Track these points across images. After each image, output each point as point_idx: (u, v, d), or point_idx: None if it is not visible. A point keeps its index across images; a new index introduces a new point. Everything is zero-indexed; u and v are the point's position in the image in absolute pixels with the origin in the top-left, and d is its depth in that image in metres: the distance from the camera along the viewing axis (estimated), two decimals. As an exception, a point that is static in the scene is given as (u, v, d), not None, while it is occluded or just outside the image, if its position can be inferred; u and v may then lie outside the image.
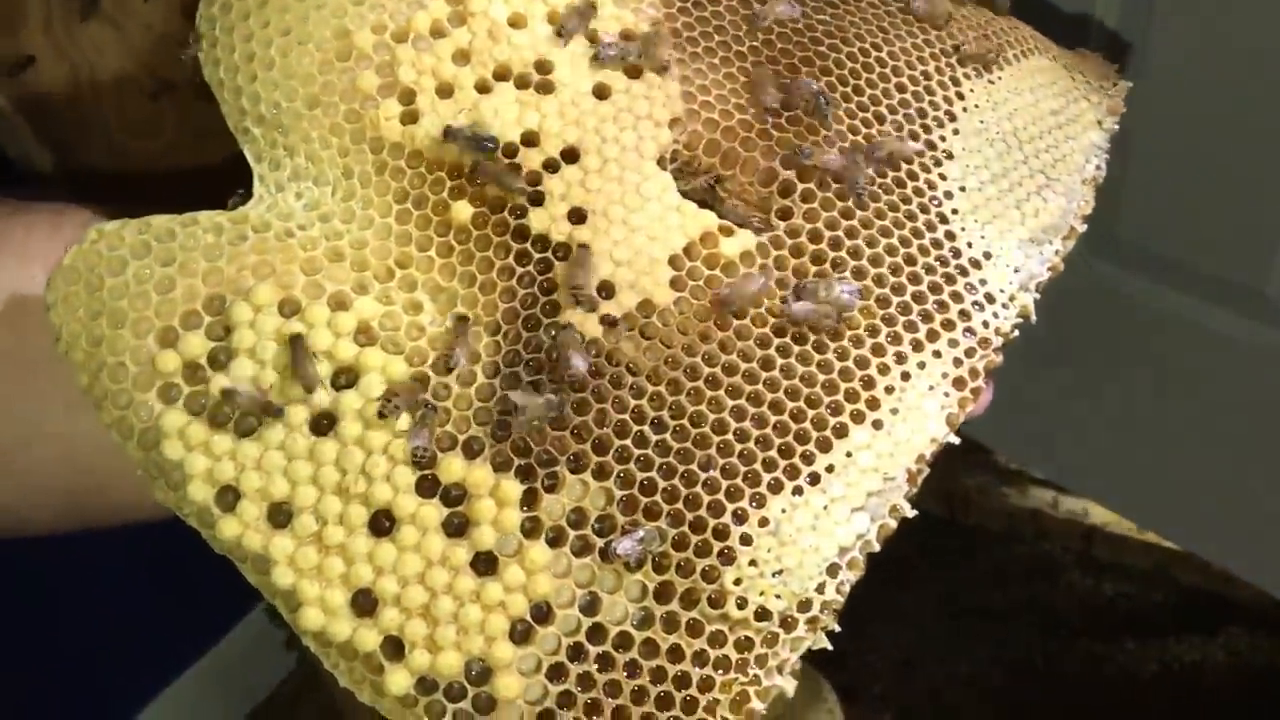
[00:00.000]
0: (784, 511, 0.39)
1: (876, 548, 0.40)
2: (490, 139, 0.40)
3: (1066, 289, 0.45)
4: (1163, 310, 0.72)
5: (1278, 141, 0.61)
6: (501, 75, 0.42)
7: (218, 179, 0.42)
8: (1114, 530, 1.27)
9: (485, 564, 0.37)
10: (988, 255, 0.44)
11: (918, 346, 0.42)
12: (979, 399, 0.42)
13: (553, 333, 0.39)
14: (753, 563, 0.38)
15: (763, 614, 0.38)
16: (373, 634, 0.36)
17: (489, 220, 0.40)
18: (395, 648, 0.36)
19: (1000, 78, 0.48)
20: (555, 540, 0.37)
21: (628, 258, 0.40)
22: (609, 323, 0.39)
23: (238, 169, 0.42)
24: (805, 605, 0.38)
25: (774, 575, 0.38)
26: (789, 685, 0.38)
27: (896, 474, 0.40)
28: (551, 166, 0.41)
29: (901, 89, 0.46)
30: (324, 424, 0.37)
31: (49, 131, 0.54)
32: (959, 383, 0.42)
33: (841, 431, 0.40)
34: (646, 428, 0.39)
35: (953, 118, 0.46)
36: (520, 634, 0.36)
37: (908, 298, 0.42)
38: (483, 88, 0.42)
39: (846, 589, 0.39)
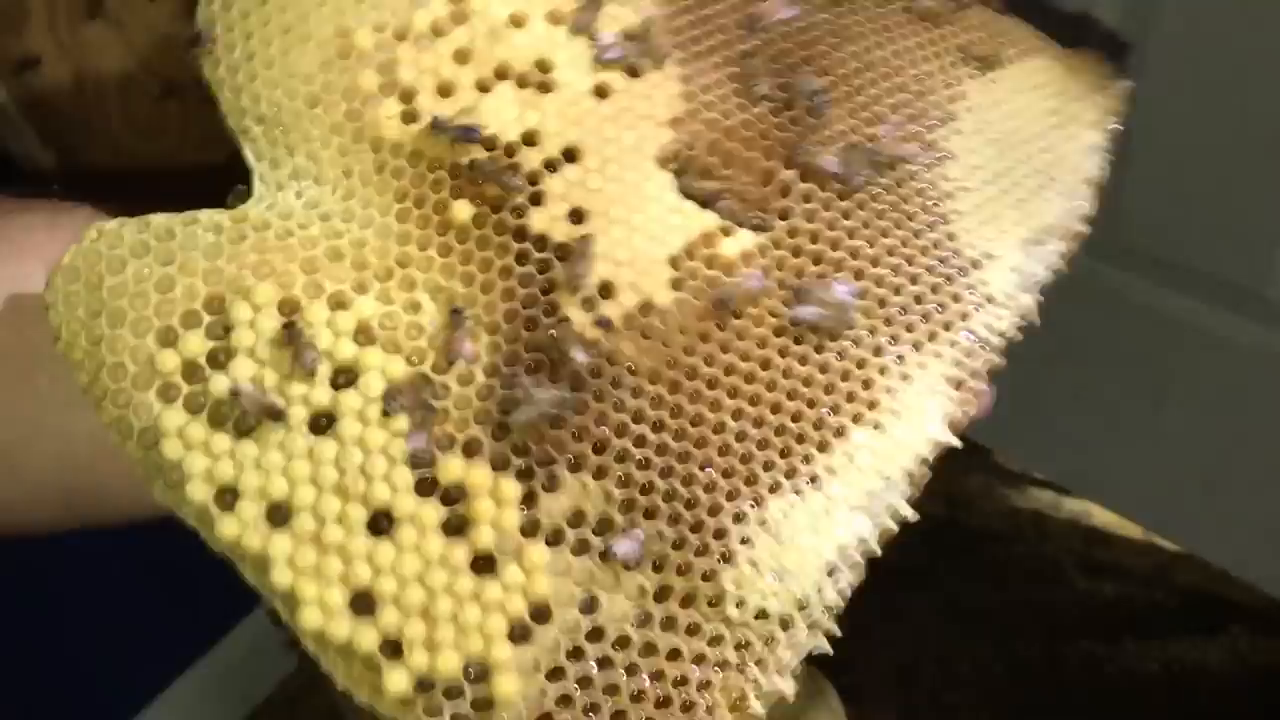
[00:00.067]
0: (783, 513, 0.38)
1: (877, 551, 0.39)
2: (475, 127, 0.40)
3: (1067, 290, 0.45)
4: (1163, 312, 0.72)
5: (1278, 142, 0.61)
6: (502, 74, 0.42)
7: (219, 179, 0.42)
8: (1115, 531, 1.27)
9: (484, 564, 0.37)
10: (988, 256, 0.44)
11: (918, 347, 0.42)
12: (980, 401, 0.42)
13: (552, 333, 0.39)
14: (752, 564, 0.38)
15: (762, 615, 0.38)
16: (371, 634, 0.36)
17: (489, 220, 0.40)
18: (394, 648, 0.36)
19: (1001, 77, 0.48)
20: (554, 540, 0.37)
21: (628, 258, 0.40)
22: (609, 323, 0.39)
23: (239, 169, 0.42)
24: (804, 607, 0.38)
25: (773, 576, 0.38)
26: (788, 687, 0.38)
27: (896, 476, 0.40)
28: (552, 166, 0.41)
29: (902, 88, 0.46)
30: (323, 423, 0.37)
31: (52, 131, 0.54)
32: (959, 384, 0.42)
33: (841, 433, 0.40)
34: (646, 428, 0.39)
35: (953, 117, 0.46)
36: (519, 634, 0.36)
37: (908, 298, 0.42)
38: (483, 87, 0.42)
39: (847, 592, 0.39)
